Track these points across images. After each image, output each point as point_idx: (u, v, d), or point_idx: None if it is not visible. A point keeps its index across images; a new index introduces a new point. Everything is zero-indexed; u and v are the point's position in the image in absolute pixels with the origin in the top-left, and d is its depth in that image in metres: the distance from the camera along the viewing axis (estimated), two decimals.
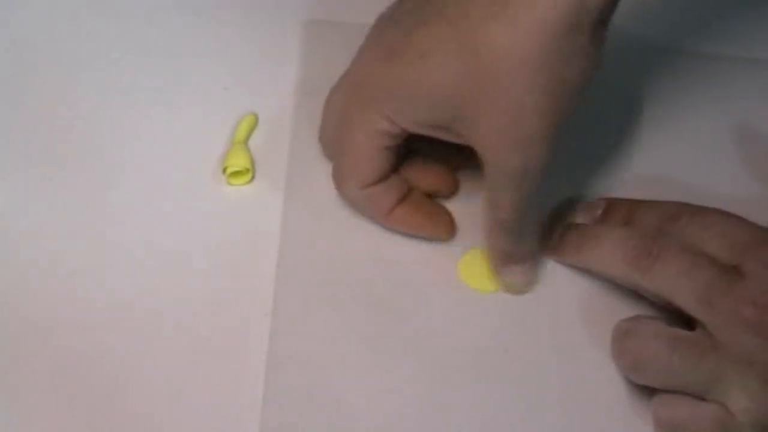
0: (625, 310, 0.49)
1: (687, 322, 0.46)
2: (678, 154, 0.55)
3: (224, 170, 0.53)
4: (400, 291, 0.50)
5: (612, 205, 0.51)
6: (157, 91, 0.55)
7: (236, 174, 0.53)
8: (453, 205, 0.52)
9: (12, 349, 0.48)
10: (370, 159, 0.48)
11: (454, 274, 0.50)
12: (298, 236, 0.51)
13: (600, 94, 0.56)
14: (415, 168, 0.51)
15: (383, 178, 0.49)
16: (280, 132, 0.54)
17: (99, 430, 0.46)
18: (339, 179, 0.50)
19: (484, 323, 0.49)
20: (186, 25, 0.58)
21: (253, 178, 0.53)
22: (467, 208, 0.52)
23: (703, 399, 0.45)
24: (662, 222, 0.48)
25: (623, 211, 0.50)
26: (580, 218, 0.52)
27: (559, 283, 0.50)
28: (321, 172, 0.52)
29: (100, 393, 0.47)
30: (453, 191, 0.52)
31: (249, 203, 0.52)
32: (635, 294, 0.49)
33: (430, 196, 0.52)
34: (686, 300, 0.45)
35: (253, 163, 0.53)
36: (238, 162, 0.52)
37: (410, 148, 0.50)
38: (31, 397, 0.47)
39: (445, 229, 0.51)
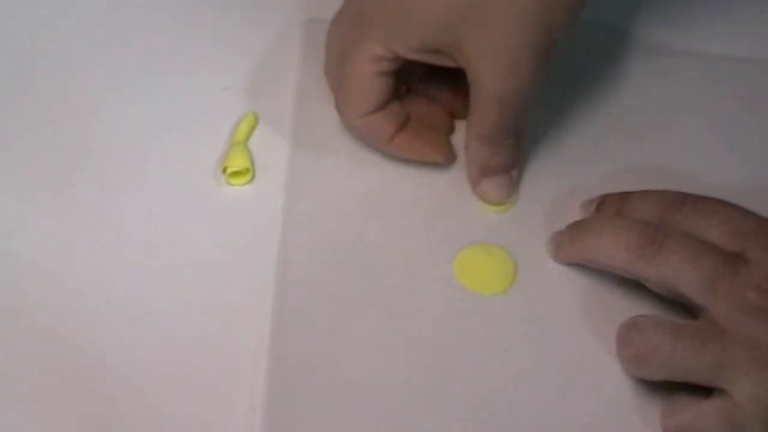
0: (626, 309, 0.49)
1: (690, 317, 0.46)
2: (674, 149, 0.55)
3: (224, 170, 0.52)
4: (400, 292, 0.50)
5: (605, 199, 0.51)
6: (157, 91, 0.55)
7: (236, 174, 0.52)
8: (449, 208, 0.52)
9: (12, 349, 0.48)
10: (368, 86, 0.50)
11: (452, 273, 0.50)
12: (299, 235, 0.51)
13: (598, 91, 0.56)
14: (412, 104, 0.53)
15: (382, 106, 0.50)
16: (280, 132, 0.54)
17: (98, 431, 0.46)
18: (340, 109, 0.51)
19: (483, 323, 0.49)
20: (186, 24, 0.57)
21: (253, 178, 0.53)
22: (461, 209, 0.52)
23: (708, 389, 0.45)
24: (664, 211, 0.48)
25: (616, 203, 0.50)
26: (577, 216, 0.52)
27: (559, 284, 0.50)
28: (321, 172, 0.52)
29: (99, 393, 0.47)
30: (450, 128, 0.54)
31: (249, 203, 0.52)
32: (635, 293, 0.49)
33: None
34: (690, 287, 0.45)
35: (253, 163, 0.53)
36: (238, 162, 0.52)
37: (408, 88, 0.52)
38: (30, 398, 0.47)
39: (445, 153, 0.53)
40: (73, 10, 0.58)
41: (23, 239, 0.51)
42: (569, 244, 0.50)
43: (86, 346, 0.48)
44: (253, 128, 0.54)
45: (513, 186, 0.52)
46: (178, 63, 0.56)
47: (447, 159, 0.53)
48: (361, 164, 0.53)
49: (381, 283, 0.50)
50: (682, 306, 0.47)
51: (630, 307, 0.49)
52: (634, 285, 0.49)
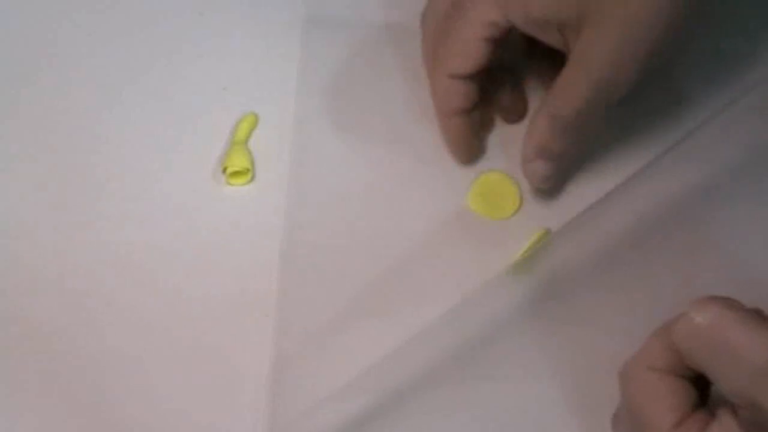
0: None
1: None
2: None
3: (224, 170, 0.52)
4: (404, 289, 0.50)
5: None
6: (157, 91, 0.55)
7: (236, 174, 0.52)
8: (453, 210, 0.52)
9: (10, 349, 0.48)
10: (470, 49, 0.49)
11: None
12: (300, 234, 0.51)
13: None
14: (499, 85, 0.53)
15: (473, 75, 0.50)
16: (280, 132, 0.54)
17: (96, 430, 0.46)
18: (434, 62, 0.51)
19: (494, 309, 0.49)
20: (186, 24, 0.57)
21: (253, 178, 0.53)
22: (467, 214, 0.52)
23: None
24: None
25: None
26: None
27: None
28: (322, 172, 0.52)
29: (99, 394, 0.47)
30: (523, 116, 0.54)
31: (249, 203, 0.52)
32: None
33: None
34: None
35: (253, 163, 0.53)
36: (238, 162, 0.52)
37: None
38: (28, 397, 0.47)
39: (469, 157, 0.53)
40: (73, 10, 0.57)
41: (22, 239, 0.51)
42: None
43: (85, 346, 0.48)
44: (253, 128, 0.54)
45: (560, 177, 0.51)
46: (178, 63, 0.56)
47: (465, 161, 0.53)
48: (362, 164, 0.53)
49: (384, 281, 0.50)
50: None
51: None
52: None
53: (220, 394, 0.47)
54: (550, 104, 0.49)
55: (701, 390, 0.42)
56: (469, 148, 0.53)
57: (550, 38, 0.48)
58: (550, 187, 0.51)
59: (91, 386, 0.47)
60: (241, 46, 0.57)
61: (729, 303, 0.39)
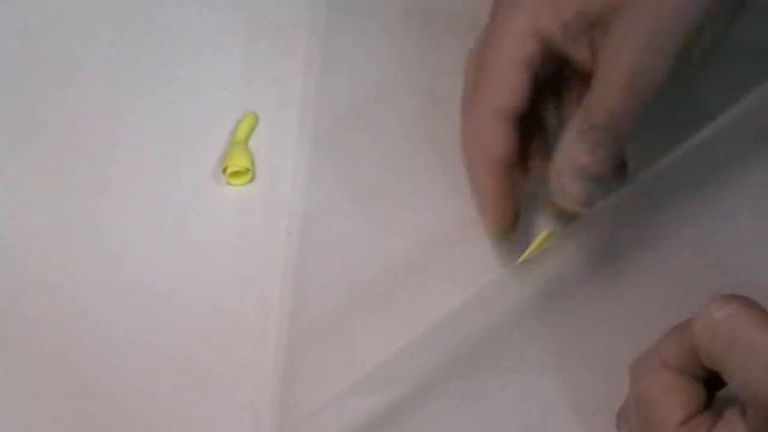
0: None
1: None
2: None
3: (224, 170, 0.52)
4: (408, 286, 0.49)
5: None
6: (157, 91, 0.55)
7: (236, 174, 0.52)
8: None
9: (9, 350, 0.47)
10: (509, 76, 0.44)
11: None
12: (311, 230, 0.51)
13: None
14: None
15: (517, 111, 0.45)
16: (281, 132, 0.54)
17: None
18: (468, 102, 0.46)
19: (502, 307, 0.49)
20: (185, 24, 0.57)
21: (253, 178, 0.53)
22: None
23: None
24: None
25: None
26: None
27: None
28: (324, 172, 0.52)
29: (98, 395, 0.47)
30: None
31: (249, 203, 0.52)
32: None
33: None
34: None
35: (253, 163, 0.53)
36: (238, 162, 0.52)
37: None
38: (28, 397, 0.46)
39: (507, 226, 0.48)
40: (72, 9, 0.58)
41: (23, 239, 0.50)
42: None
43: (82, 346, 0.47)
44: (253, 128, 0.54)
45: (596, 196, 0.46)
46: (178, 63, 0.56)
47: (504, 233, 0.48)
48: (364, 163, 0.53)
49: (389, 280, 0.50)
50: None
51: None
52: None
53: (218, 393, 0.46)
54: (581, 117, 0.44)
55: (709, 393, 0.42)
56: (509, 214, 0.47)
57: (580, 52, 0.45)
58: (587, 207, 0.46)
59: (91, 386, 0.47)
60: (241, 46, 0.57)
61: (749, 302, 0.40)
